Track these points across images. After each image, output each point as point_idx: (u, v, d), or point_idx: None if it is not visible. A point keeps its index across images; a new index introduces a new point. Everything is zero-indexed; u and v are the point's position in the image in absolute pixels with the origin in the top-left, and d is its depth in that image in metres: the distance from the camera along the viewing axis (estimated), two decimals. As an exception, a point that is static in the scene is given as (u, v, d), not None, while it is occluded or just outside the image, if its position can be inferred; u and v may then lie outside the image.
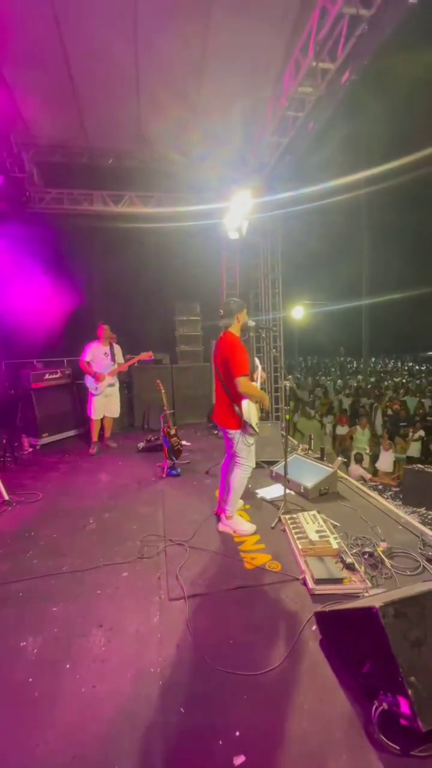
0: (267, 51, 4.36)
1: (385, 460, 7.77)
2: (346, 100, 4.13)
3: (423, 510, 5.66)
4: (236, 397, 2.95)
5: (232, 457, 3.15)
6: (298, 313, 22.24)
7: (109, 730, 1.62)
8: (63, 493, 4.08)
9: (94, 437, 5.42)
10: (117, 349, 5.43)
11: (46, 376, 5.89)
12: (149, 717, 1.67)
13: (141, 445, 5.47)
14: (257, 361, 3.50)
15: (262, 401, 3.00)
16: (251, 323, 3.17)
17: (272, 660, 1.94)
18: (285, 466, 3.57)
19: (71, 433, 6.15)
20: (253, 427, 2.93)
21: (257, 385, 3.16)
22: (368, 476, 7.18)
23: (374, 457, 8.21)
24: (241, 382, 2.86)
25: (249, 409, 2.89)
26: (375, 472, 7.86)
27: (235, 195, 5.71)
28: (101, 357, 5.23)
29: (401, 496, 6.15)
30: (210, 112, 5.33)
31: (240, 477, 3.11)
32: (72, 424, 6.16)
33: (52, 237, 6.67)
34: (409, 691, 1.45)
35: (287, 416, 3.39)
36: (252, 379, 3.18)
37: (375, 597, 2.00)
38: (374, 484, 6.90)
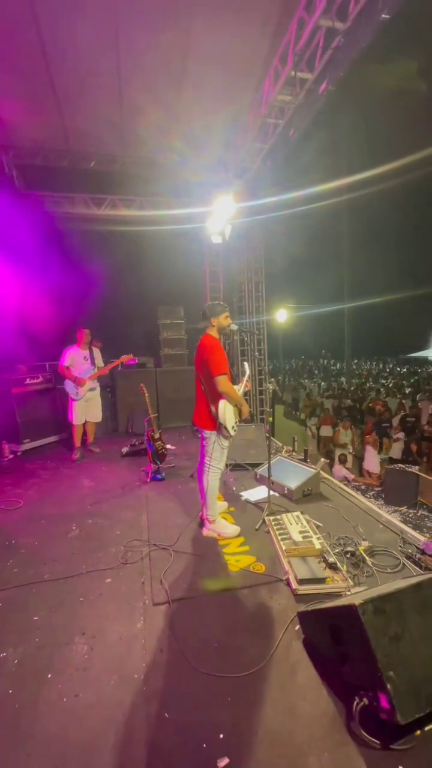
0: (247, 59, 4.43)
1: (372, 460, 7.89)
2: (326, 109, 4.24)
3: (404, 509, 5.81)
4: (214, 398, 2.97)
5: (204, 458, 3.17)
6: (282, 316, 22.51)
7: (91, 739, 1.60)
8: (45, 500, 4.01)
9: (77, 442, 5.34)
10: (97, 352, 5.38)
11: (27, 381, 5.79)
12: (133, 724, 1.66)
13: (125, 449, 5.42)
14: (246, 366, 3.52)
15: (240, 406, 3.02)
16: (233, 327, 3.19)
17: (256, 661, 1.95)
18: (269, 468, 3.60)
19: (53, 438, 6.05)
20: (227, 430, 2.95)
21: (240, 390, 3.18)
22: (351, 477, 7.29)
23: (358, 458, 8.36)
24: (221, 381, 2.88)
25: (225, 411, 2.90)
26: (360, 473, 7.99)
27: (217, 199, 5.76)
28: (81, 361, 5.17)
29: (383, 496, 6.29)
30: (192, 117, 5.37)
31: (212, 479, 3.12)
32: (54, 429, 6.06)
33: (33, 240, 6.58)
34: (388, 686, 1.49)
35: (270, 419, 3.41)
36: (236, 384, 3.21)
37: (356, 595, 2.04)
38: (357, 484, 7.02)
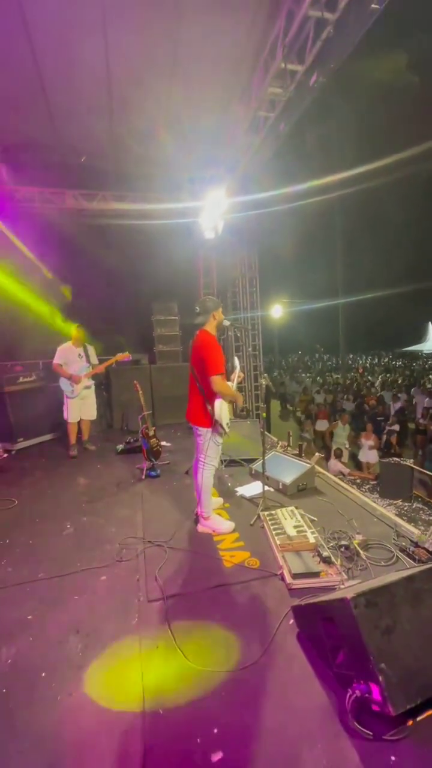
0: (237, 50, 4.35)
1: (368, 452, 7.94)
2: (319, 104, 4.20)
3: (399, 502, 5.84)
4: (210, 396, 2.96)
5: (199, 455, 3.17)
6: (277, 311, 22.53)
7: (85, 737, 1.60)
8: (39, 499, 4.00)
9: (72, 440, 5.32)
10: (91, 349, 5.34)
11: (20, 379, 5.74)
12: (127, 721, 1.66)
13: (120, 447, 5.41)
14: (237, 360, 3.52)
15: (236, 400, 3.03)
16: (227, 322, 3.18)
17: (251, 656, 1.96)
18: (263, 464, 3.61)
19: (48, 437, 6.02)
20: (223, 427, 2.95)
21: (233, 384, 3.18)
22: (347, 471, 7.33)
23: (354, 453, 8.40)
24: (216, 381, 2.88)
25: (221, 409, 2.90)
26: (358, 466, 8.04)
27: (209, 194, 5.72)
28: (75, 359, 5.13)
29: (378, 489, 6.33)
30: (182, 109, 5.29)
31: (206, 476, 3.13)
32: (48, 427, 6.03)
33: (24, 236, 6.52)
34: (380, 678, 1.50)
35: (263, 414, 3.42)
36: (229, 379, 3.21)
37: (349, 588, 2.05)
38: (353, 478, 7.05)
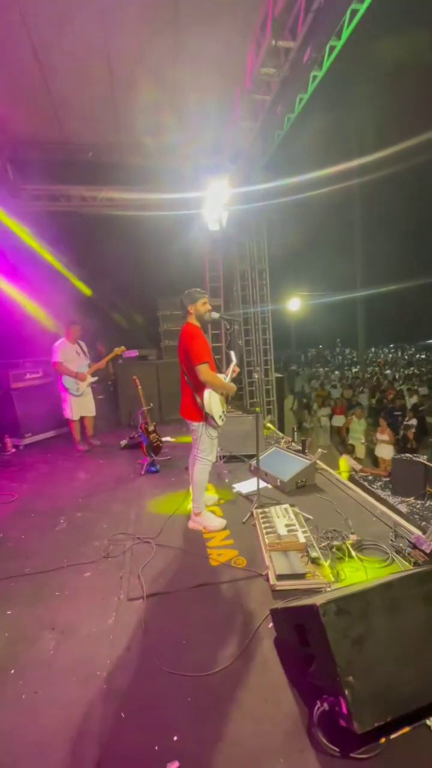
0: (239, 29, 4.16)
1: (383, 447, 7.67)
2: (332, 87, 3.97)
3: (412, 499, 5.58)
4: (198, 387, 2.88)
5: (194, 449, 3.09)
6: (295, 304, 22.09)
7: (44, 738, 1.57)
8: (39, 494, 4.03)
9: (78, 437, 5.35)
10: (83, 345, 5.34)
11: (27, 376, 5.83)
12: (88, 723, 1.62)
13: (123, 442, 5.41)
14: (232, 354, 3.43)
15: (225, 390, 2.94)
16: (214, 315, 3.07)
17: (223, 660, 1.88)
18: (257, 460, 3.51)
19: (55, 432, 6.09)
20: (215, 419, 2.86)
21: (227, 378, 3.09)
22: (359, 467, 7.09)
23: (371, 448, 8.13)
24: (202, 370, 2.80)
25: (210, 400, 2.81)
26: (375, 462, 7.78)
27: (212, 184, 5.58)
28: (74, 356, 5.13)
29: (391, 487, 6.07)
30: (186, 93, 5.13)
31: (200, 471, 3.05)
32: (56, 423, 6.10)
33: (31, 234, 6.59)
34: (346, 692, 1.39)
35: (257, 409, 3.30)
36: (222, 372, 3.12)
37: (327, 593, 1.93)
38: (364, 474, 6.82)
